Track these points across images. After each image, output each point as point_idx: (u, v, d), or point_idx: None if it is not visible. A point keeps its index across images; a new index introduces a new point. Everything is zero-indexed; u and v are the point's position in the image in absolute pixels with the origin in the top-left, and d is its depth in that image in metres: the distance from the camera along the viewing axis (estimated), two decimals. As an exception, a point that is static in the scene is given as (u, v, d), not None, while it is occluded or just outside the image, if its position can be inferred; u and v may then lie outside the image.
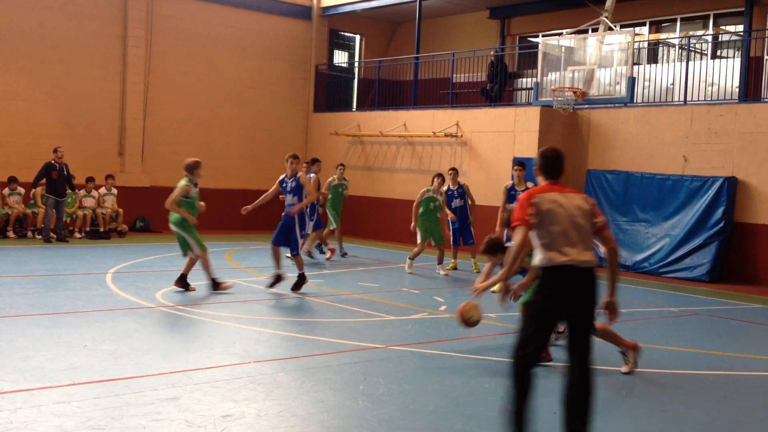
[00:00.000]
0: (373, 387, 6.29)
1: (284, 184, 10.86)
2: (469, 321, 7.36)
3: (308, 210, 11.81)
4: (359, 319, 9.22)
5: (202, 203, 10.51)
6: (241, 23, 20.94)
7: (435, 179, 13.57)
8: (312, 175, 14.05)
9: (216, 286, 10.46)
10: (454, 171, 14.33)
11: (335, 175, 15.65)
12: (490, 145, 17.37)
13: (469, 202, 14.26)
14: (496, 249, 7.42)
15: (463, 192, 14.21)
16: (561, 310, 4.84)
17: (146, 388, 5.96)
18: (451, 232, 14.18)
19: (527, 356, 4.86)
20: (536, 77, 16.32)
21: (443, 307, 10.28)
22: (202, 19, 20.29)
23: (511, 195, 12.06)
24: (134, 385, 6.01)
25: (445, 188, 14.06)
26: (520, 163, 12.38)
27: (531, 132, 16.49)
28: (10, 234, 16.22)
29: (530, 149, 16.40)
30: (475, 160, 17.65)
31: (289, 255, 11.13)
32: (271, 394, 6.01)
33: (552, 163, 5.11)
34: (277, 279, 10.71)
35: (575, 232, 4.86)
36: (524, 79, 20.21)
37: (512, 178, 12.61)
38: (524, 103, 18.67)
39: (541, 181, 5.13)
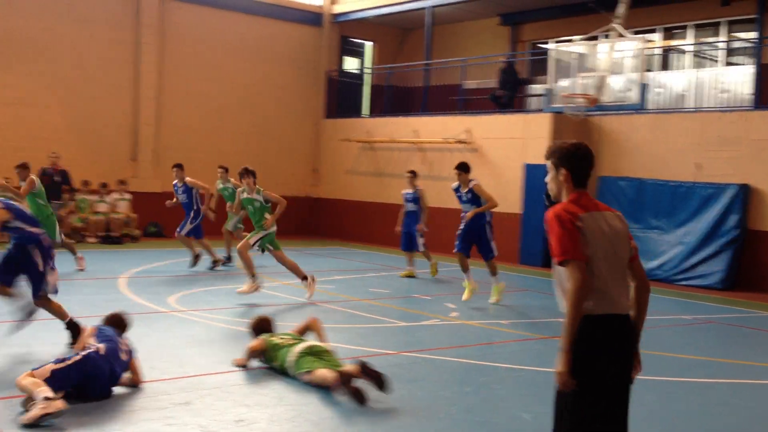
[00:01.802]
0: (385, 393, 6.29)
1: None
2: None
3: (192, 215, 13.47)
4: (370, 325, 9.23)
5: None
6: (252, 30, 21.03)
7: (243, 179, 10.97)
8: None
9: None
10: (411, 174, 13.90)
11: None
12: (500, 151, 17.36)
13: (423, 208, 13.67)
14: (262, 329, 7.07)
15: (416, 197, 13.72)
16: (608, 374, 3.66)
17: (159, 392, 5.98)
18: (401, 236, 13.94)
19: None
20: (547, 84, 16.30)
21: (455, 314, 10.27)
22: (213, 26, 20.39)
23: (458, 196, 11.37)
24: (147, 390, 6.03)
25: (403, 191, 14.01)
26: (460, 166, 11.28)
27: (542, 138, 16.48)
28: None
29: (541, 156, 16.27)
30: (485, 166, 17.63)
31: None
32: (284, 399, 6.02)
33: (584, 165, 3.75)
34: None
35: (617, 267, 3.67)
36: (535, 86, 20.19)
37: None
38: (535, 109, 18.65)
39: (565, 189, 3.77)
